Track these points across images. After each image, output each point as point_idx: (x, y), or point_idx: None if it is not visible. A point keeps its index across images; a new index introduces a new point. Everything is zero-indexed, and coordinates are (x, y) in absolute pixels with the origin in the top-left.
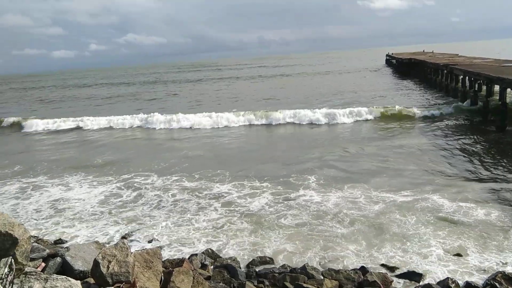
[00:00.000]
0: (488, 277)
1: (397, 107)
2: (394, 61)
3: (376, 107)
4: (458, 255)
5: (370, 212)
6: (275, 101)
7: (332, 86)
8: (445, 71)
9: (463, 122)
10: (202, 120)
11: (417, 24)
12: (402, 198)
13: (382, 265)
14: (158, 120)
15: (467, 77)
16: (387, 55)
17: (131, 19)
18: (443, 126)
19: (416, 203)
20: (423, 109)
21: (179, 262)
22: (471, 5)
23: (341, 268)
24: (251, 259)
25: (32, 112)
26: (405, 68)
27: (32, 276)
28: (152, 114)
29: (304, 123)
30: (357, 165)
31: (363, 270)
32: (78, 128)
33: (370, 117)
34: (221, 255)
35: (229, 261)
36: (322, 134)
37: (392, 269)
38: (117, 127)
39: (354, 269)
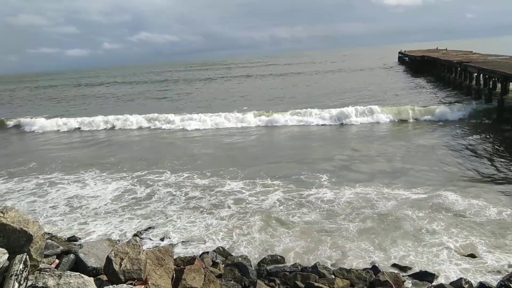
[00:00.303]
0: (503, 277)
1: (409, 107)
2: (406, 58)
3: (390, 106)
4: (471, 255)
5: (382, 210)
6: (286, 99)
7: (344, 84)
8: (459, 69)
9: (477, 121)
10: (214, 119)
11: (430, 21)
12: (414, 196)
13: (394, 265)
14: (169, 119)
15: (481, 75)
16: (399, 53)
17: (144, 18)
18: (456, 125)
19: (428, 201)
20: (435, 108)
21: (191, 260)
22: (486, 1)
23: (353, 267)
24: (262, 257)
25: (45, 111)
26: (418, 65)
27: (46, 273)
28: (165, 115)
29: (314, 123)
30: (370, 165)
31: (375, 269)
32: (90, 126)
33: (383, 116)
34: (232, 253)
35: (240, 259)
36: (334, 133)
37: (404, 269)
38: (129, 127)
39: (365, 269)
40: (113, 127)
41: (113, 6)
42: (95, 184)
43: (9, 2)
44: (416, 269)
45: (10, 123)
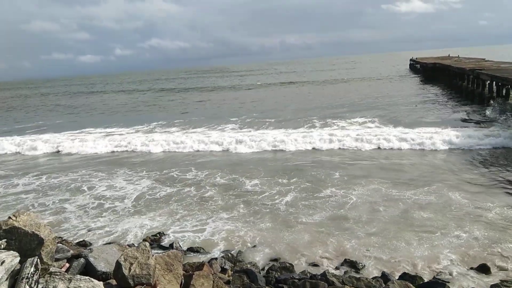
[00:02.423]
0: None
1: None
2: (418, 66)
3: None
4: (484, 266)
5: (393, 214)
6: (301, 112)
7: (356, 96)
8: (471, 76)
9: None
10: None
11: (443, 28)
12: (427, 200)
13: (404, 273)
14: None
15: (494, 82)
16: (411, 60)
17: (155, 24)
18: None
19: (441, 205)
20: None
21: (199, 266)
22: (500, 8)
23: (362, 274)
24: (271, 263)
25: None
26: (429, 73)
27: (57, 276)
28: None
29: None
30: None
31: (385, 278)
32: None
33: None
34: (241, 259)
35: (249, 265)
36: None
37: (414, 278)
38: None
39: (375, 277)
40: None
41: (126, 13)
42: (120, 183)
43: (23, 9)
44: (427, 278)
45: None
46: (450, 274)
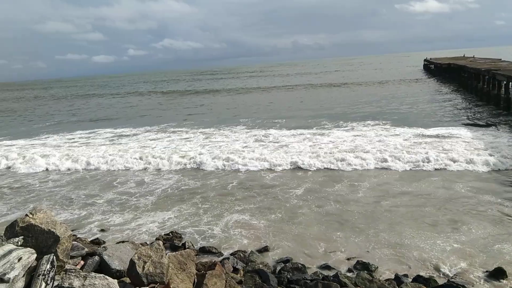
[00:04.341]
0: None
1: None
2: (432, 66)
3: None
4: (500, 270)
5: (409, 214)
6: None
7: (368, 103)
8: (487, 77)
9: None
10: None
11: (458, 28)
12: (447, 198)
13: (418, 276)
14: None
15: (510, 83)
16: (425, 60)
17: (168, 25)
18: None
19: (462, 204)
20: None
21: (212, 265)
22: None
23: (375, 276)
24: (283, 264)
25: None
26: (443, 73)
27: (72, 273)
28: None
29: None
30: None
31: (398, 280)
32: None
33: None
34: (254, 259)
35: (261, 266)
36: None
37: (428, 280)
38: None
39: (388, 279)
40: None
41: (139, 14)
42: (143, 179)
43: (38, 10)
44: (442, 281)
45: None
46: (465, 277)
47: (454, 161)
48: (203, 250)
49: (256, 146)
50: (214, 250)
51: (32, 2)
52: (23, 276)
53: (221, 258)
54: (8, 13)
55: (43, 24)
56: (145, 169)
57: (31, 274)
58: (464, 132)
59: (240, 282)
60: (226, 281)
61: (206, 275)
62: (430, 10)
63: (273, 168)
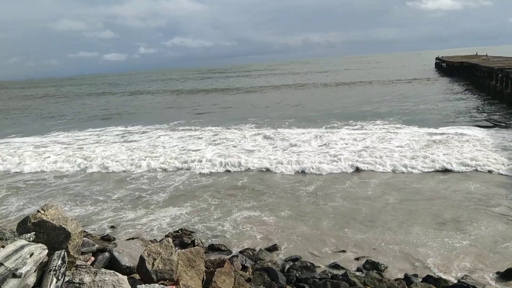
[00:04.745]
0: None
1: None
2: (444, 64)
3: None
4: (511, 271)
5: (419, 212)
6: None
7: (379, 105)
8: (500, 75)
9: None
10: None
11: (471, 26)
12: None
13: (428, 276)
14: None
15: None
16: (437, 59)
17: (179, 23)
18: None
19: (473, 204)
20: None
21: (221, 263)
22: None
23: (384, 276)
24: (291, 263)
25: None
26: (456, 72)
27: (83, 269)
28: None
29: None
30: None
31: (407, 280)
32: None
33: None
34: (262, 257)
35: (269, 264)
36: None
37: (438, 280)
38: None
39: (397, 279)
40: None
41: (149, 12)
42: (155, 174)
43: (50, 8)
44: (453, 282)
45: None
46: (475, 277)
47: (466, 161)
48: (212, 248)
49: (265, 144)
50: (223, 248)
51: (45, 1)
52: (35, 271)
53: (230, 255)
54: (22, 12)
55: (56, 22)
56: (155, 169)
57: (43, 269)
58: (477, 132)
59: (248, 280)
60: (235, 278)
61: (215, 273)
62: (442, 7)
63: (282, 167)
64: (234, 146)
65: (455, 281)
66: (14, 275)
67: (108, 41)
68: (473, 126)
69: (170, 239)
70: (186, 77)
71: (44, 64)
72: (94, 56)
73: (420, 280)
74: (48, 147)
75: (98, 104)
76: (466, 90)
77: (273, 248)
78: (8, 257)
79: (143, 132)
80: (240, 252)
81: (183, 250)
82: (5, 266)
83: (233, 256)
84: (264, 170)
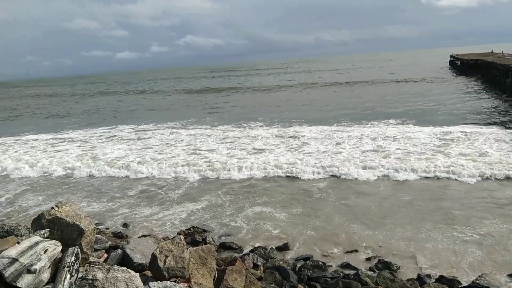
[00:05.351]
0: None
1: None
2: (458, 62)
3: None
4: None
5: (433, 214)
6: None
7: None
8: None
9: None
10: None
11: (486, 23)
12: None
13: (441, 276)
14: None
15: None
16: (451, 56)
17: (190, 22)
18: None
19: (486, 204)
20: None
21: (232, 261)
22: None
23: (397, 276)
24: (303, 261)
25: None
26: (470, 69)
27: (96, 266)
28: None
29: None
30: None
31: (420, 280)
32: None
33: None
34: (274, 255)
35: (281, 262)
36: None
37: (451, 281)
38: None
39: (410, 279)
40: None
41: (162, 11)
42: (163, 171)
43: (65, 7)
44: (465, 283)
45: None
46: (489, 278)
47: (480, 159)
48: (224, 246)
49: (277, 143)
50: (234, 246)
51: (60, 0)
52: (49, 267)
53: (241, 254)
54: (36, 11)
55: (70, 21)
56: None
57: (57, 265)
58: (492, 130)
59: (260, 278)
60: (246, 277)
61: (227, 271)
62: (457, 4)
63: (294, 168)
64: (244, 147)
65: (469, 282)
66: (29, 271)
67: (121, 39)
68: (488, 124)
69: (182, 237)
70: (197, 75)
71: (58, 63)
72: (107, 54)
73: (433, 280)
74: (63, 145)
75: (109, 102)
76: (481, 88)
77: (284, 247)
78: (23, 253)
79: (156, 129)
80: (251, 250)
81: (195, 248)
82: (20, 262)
83: (244, 255)
84: (279, 171)
